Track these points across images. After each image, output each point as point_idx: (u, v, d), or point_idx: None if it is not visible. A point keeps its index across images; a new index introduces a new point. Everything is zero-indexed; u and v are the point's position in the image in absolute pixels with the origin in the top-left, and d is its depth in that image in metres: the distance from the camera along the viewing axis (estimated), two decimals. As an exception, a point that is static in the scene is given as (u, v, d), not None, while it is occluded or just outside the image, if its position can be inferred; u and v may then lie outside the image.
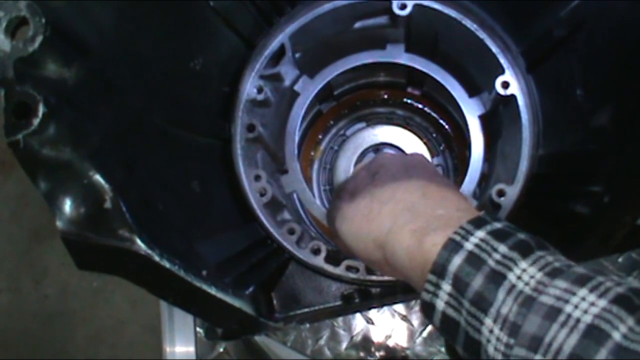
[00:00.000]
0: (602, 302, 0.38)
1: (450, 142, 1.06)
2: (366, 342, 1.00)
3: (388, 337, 0.99)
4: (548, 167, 0.77)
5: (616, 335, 0.36)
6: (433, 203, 0.55)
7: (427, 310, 0.46)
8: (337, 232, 0.65)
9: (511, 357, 0.39)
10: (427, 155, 1.04)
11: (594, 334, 0.36)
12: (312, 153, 1.10)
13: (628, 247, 0.82)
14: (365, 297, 0.76)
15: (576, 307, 0.38)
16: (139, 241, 0.47)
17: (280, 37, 0.86)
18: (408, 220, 0.52)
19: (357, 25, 0.89)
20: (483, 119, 0.87)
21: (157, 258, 0.48)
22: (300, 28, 0.86)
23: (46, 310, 2.13)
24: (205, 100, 0.83)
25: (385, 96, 1.10)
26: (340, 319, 1.00)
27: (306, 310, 0.76)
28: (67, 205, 0.46)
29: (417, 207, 0.54)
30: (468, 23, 0.82)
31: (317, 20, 0.86)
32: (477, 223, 0.46)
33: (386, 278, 0.76)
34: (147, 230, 0.48)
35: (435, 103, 1.06)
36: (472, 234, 0.45)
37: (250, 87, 0.85)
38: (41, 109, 0.46)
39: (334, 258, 0.77)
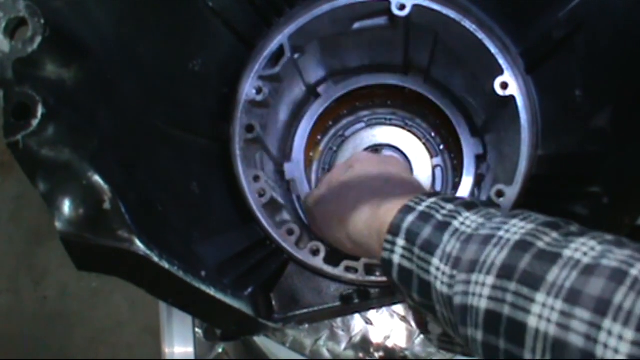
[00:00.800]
0: (531, 225, 0.43)
1: (449, 142, 1.06)
2: (365, 343, 1.00)
3: (387, 337, 0.99)
4: (547, 168, 0.78)
5: (539, 244, 0.40)
6: (393, 186, 0.62)
7: (387, 268, 0.51)
8: (310, 215, 0.73)
9: (453, 284, 0.43)
10: (426, 155, 1.04)
11: (521, 246, 0.41)
12: (311, 154, 1.10)
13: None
14: (364, 298, 0.76)
15: (507, 231, 0.43)
16: (138, 242, 0.47)
17: (279, 38, 0.86)
18: (369, 199, 0.59)
19: (356, 26, 0.89)
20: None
21: (156, 259, 0.48)
22: (299, 29, 0.86)
23: (45, 311, 2.13)
24: (204, 101, 0.83)
25: (385, 97, 1.10)
26: (339, 320, 1.00)
27: (305, 311, 0.76)
28: (66, 206, 0.46)
29: (379, 189, 0.61)
30: (467, 24, 0.82)
31: (315, 21, 0.86)
32: (430, 194, 0.52)
33: (385, 278, 0.76)
34: (146, 231, 0.48)
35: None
36: (424, 200, 0.51)
37: (249, 87, 0.85)
38: (40, 110, 0.46)
39: (333, 259, 0.77)
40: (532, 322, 0.37)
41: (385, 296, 0.78)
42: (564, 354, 0.35)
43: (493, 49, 0.81)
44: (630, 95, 0.65)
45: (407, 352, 0.98)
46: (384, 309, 1.00)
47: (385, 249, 0.50)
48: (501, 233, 0.43)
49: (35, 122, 0.46)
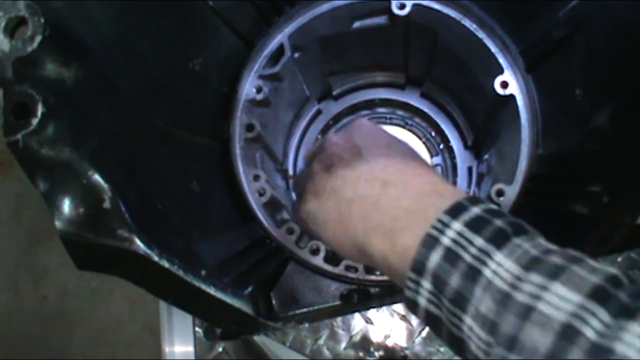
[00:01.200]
0: (575, 298, 0.37)
1: (448, 141, 1.06)
2: (365, 342, 1.00)
3: (387, 336, 0.99)
4: (547, 167, 0.78)
5: (589, 333, 0.35)
6: (396, 193, 0.51)
7: (412, 307, 0.46)
8: (315, 235, 0.64)
9: (490, 352, 0.39)
10: (426, 155, 1.04)
11: (568, 333, 0.35)
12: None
13: (627, 247, 0.83)
14: (365, 297, 0.76)
15: (549, 303, 0.37)
16: (138, 241, 0.47)
17: (279, 37, 0.86)
18: (377, 221, 0.51)
19: (356, 25, 0.89)
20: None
21: (156, 258, 0.48)
22: (299, 28, 0.86)
23: (45, 310, 2.13)
24: (204, 100, 0.83)
25: (385, 96, 1.10)
26: (339, 319, 1.00)
27: (305, 310, 0.76)
28: (66, 205, 0.46)
29: (381, 203, 0.52)
30: (467, 23, 0.82)
31: (315, 20, 0.86)
32: (454, 212, 0.44)
33: (385, 278, 0.76)
34: (146, 230, 0.48)
35: (435, 103, 1.06)
36: (448, 227, 0.43)
37: (249, 87, 0.85)
38: (40, 109, 0.46)
39: (333, 258, 0.78)
40: None
41: (386, 295, 0.78)
42: None
43: (493, 48, 0.81)
44: (630, 94, 0.65)
45: (407, 351, 0.98)
46: (384, 308, 1.00)
47: (409, 288, 0.45)
48: (541, 306, 0.37)
49: (35, 121, 0.46)
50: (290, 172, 1.05)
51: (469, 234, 0.42)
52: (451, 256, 0.42)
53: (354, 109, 1.10)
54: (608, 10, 0.67)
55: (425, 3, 0.82)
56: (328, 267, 0.76)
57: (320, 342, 1.00)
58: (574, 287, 0.37)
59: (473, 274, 0.41)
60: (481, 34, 0.81)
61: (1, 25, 0.48)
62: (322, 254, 0.77)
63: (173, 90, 0.76)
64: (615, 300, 0.36)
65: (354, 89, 1.09)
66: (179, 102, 0.77)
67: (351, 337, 1.00)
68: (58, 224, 0.45)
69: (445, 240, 0.43)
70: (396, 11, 0.82)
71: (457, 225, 0.43)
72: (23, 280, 2.16)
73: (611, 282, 0.37)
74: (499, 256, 0.40)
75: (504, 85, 0.80)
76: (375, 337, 1.00)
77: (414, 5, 0.81)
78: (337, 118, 1.10)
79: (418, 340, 0.99)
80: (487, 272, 0.40)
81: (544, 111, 0.79)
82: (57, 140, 0.47)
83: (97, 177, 0.47)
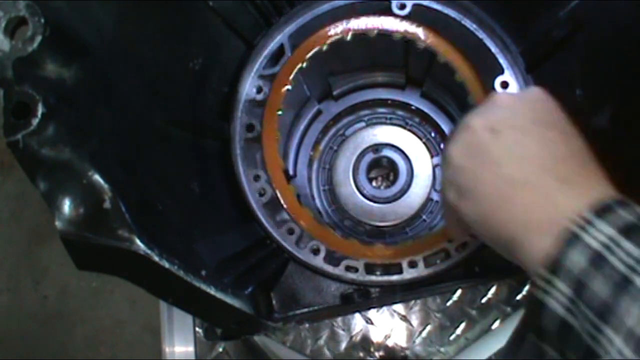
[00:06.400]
0: None
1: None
2: (365, 342, 1.00)
3: (387, 337, 0.99)
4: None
5: None
6: (568, 189, 0.44)
7: (535, 308, 0.41)
8: (456, 209, 0.52)
9: None
10: (426, 155, 1.04)
11: None
12: (311, 153, 1.10)
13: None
14: (365, 297, 0.76)
15: None
16: (138, 241, 0.47)
17: (280, 37, 0.86)
18: (544, 219, 0.43)
19: (357, 25, 0.89)
20: None
21: (156, 258, 0.48)
22: (299, 28, 0.86)
23: (45, 310, 2.13)
24: (204, 101, 0.83)
25: (385, 96, 1.10)
26: (339, 319, 1.00)
27: (305, 310, 0.76)
28: (67, 206, 0.46)
29: (553, 197, 0.44)
30: (467, 23, 0.82)
31: (316, 20, 0.86)
32: (603, 212, 0.40)
33: (385, 278, 0.76)
34: (146, 230, 0.48)
35: (435, 104, 1.06)
36: (593, 226, 0.39)
37: (249, 87, 0.85)
38: (40, 109, 0.46)
39: (333, 258, 0.78)
40: None
41: (386, 295, 0.78)
42: None
43: (493, 48, 0.81)
44: (630, 94, 0.65)
45: (407, 352, 0.98)
46: (385, 309, 1.00)
47: (539, 287, 0.40)
48: None
49: (35, 122, 0.46)
50: (291, 172, 1.05)
51: (621, 238, 0.38)
52: (598, 261, 0.38)
53: (354, 109, 1.10)
54: (608, 10, 0.67)
55: (425, 3, 0.82)
56: (328, 268, 0.76)
57: (321, 342, 1.00)
58: None
59: (623, 284, 0.36)
60: (481, 34, 0.81)
61: (1, 26, 0.48)
62: (322, 254, 0.77)
63: (173, 90, 0.76)
64: None
65: (354, 89, 1.09)
66: (179, 102, 0.77)
67: (351, 337, 1.00)
68: (58, 224, 0.45)
69: (591, 242, 0.38)
70: (396, 11, 0.82)
71: (607, 228, 0.39)
72: (23, 280, 2.16)
73: None
74: None
75: (505, 85, 0.80)
76: (376, 337, 1.00)
77: (414, 5, 0.82)
78: (337, 118, 1.10)
79: (418, 340, 0.99)
80: (639, 282, 0.36)
81: (544, 111, 0.79)
82: (57, 141, 0.47)
83: (97, 177, 0.47)
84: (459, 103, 1.00)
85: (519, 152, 0.48)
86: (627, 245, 0.37)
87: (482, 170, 0.49)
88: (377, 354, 0.99)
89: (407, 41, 0.86)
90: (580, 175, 0.46)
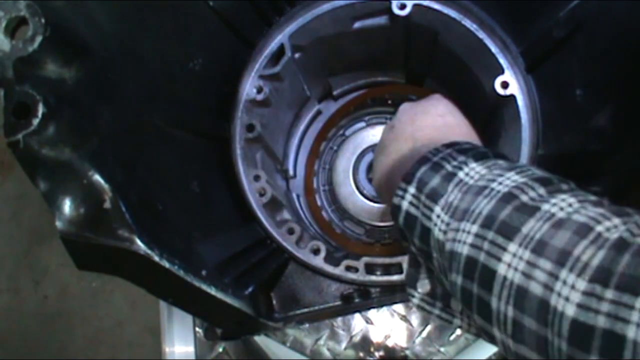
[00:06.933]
0: (522, 179, 0.44)
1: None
2: (365, 342, 1.00)
3: (387, 337, 0.99)
4: (547, 167, 0.77)
5: (523, 197, 0.42)
6: (420, 143, 0.61)
7: (395, 213, 0.53)
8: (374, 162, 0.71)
9: (447, 231, 0.45)
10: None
11: (506, 198, 0.42)
12: (312, 153, 1.10)
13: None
14: (365, 297, 0.76)
15: (500, 183, 0.44)
16: (138, 241, 0.47)
17: (280, 37, 0.86)
18: (410, 158, 0.60)
19: (357, 25, 0.89)
20: None
21: (156, 258, 0.48)
22: (299, 28, 0.86)
23: (45, 310, 2.13)
24: (204, 100, 0.83)
25: (385, 96, 1.10)
26: (339, 319, 1.00)
27: (305, 310, 0.76)
28: (67, 206, 0.46)
29: (406, 152, 0.62)
30: (468, 23, 0.82)
31: (316, 20, 0.86)
32: (450, 145, 0.52)
33: (385, 278, 0.76)
34: (146, 230, 0.48)
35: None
36: (440, 152, 0.51)
37: (249, 87, 0.85)
38: (41, 109, 0.46)
39: (333, 258, 0.78)
40: (501, 269, 0.40)
41: (386, 295, 0.78)
42: (524, 302, 0.37)
43: (493, 49, 0.81)
44: (630, 94, 0.65)
45: (407, 352, 0.98)
46: (385, 309, 1.00)
47: (397, 195, 0.52)
48: (494, 185, 0.44)
49: (35, 122, 0.46)
50: (291, 172, 1.05)
51: (455, 154, 0.51)
52: (436, 167, 0.50)
53: (354, 109, 1.10)
54: (608, 10, 0.67)
55: (425, 3, 0.82)
56: (328, 268, 0.76)
57: (321, 342, 1.00)
58: (524, 174, 0.45)
59: (449, 176, 0.48)
60: (481, 34, 0.81)
61: (2, 26, 0.48)
62: (322, 254, 0.77)
63: (173, 90, 0.76)
64: (556, 186, 0.43)
65: (354, 89, 1.09)
66: (179, 102, 0.77)
67: (351, 337, 1.00)
68: (59, 224, 0.45)
69: (435, 159, 0.51)
70: (397, 11, 0.82)
71: (449, 150, 0.51)
72: (24, 280, 2.16)
73: (558, 178, 0.45)
74: (472, 164, 0.48)
75: (505, 85, 0.80)
76: (376, 337, 1.00)
77: (415, 5, 0.81)
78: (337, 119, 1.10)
79: (418, 340, 0.99)
80: (460, 174, 0.48)
81: (545, 111, 0.79)
82: (57, 141, 0.47)
83: (97, 177, 0.47)
84: (459, 103, 1.00)
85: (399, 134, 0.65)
86: (457, 155, 0.50)
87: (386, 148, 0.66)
88: (377, 354, 0.99)
89: (408, 26, 0.86)
90: (454, 135, 0.60)
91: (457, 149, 0.52)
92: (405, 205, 0.51)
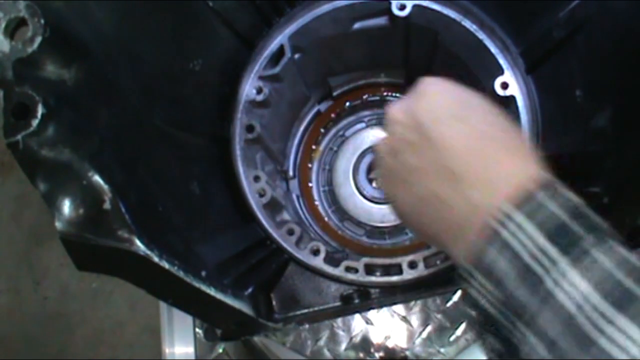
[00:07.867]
0: None
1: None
2: (365, 343, 1.00)
3: (387, 337, 0.99)
4: (547, 167, 0.77)
5: None
6: (467, 186, 0.44)
7: (467, 301, 0.43)
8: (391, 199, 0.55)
9: None
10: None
11: None
12: (312, 154, 1.10)
13: (628, 248, 0.82)
14: (365, 298, 0.76)
15: (622, 349, 0.32)
16: (138, 242, 0.47)
17: (280, 38, 0.86)
18: (449, 224, 0.45)
19: (357, 25, 0.89)
20: None
21: (156, 259, 0.48)
22: (299, 29, 0.86)
23: (45, 311, 2.13)
24: (204, 101, 0.83)
25: (385, 96, 1.10)
26: (339, 320, 1.00)
27: (305, 311, 0.76)
28: (67, 206, 0.46)
29: (450, 201, 0.45)
30: (467, 24, 0.82)
31: (316, 20, 0.86)
32: (522, 203, 0.39)
33: (385, 279, 0.76)
34: (146, 231, 0.48)
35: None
36: (511, 219, 0.38)
37: (249, 87, 0.85)
38: (40, 110, 0.46)
39: (333, 259, 0.77)
40: None
41: (386, 296, 0.78)
42: None
43: (493, 49, 0.81)
44: (630, 95, 0.65)
45: (407, 352, 0.98)
46: (384, 309, 1.00)
47: (463, 278, 0.41)
48: (615, 351, 0.32)
49: (35, 122, 0.46)
50: (291, 173, 1.05)
51: (537, 237, 0.37)
52: (513, 257, 0.37)
53: (354, 110, 1.10)
54: (608, 11, 0.67)
55: (425, 4, 0.82)
56: (328, 269, 0.76)
57: (321, 343, 1.00)
58: None
59: (537, 285, 0.36)
60: (481, 35, 0.81)
61: (1, 26, 0.48)
62: (322, 255, 0.77)
63: (173, 91, 0.76)
64: None
65: (354, 89, 1.09)
66: (179, 102, 0.77)
67: (351, 338, 1.00)
68: (58, 224, 0.45)
69: (509, 240, 0.38)
70: (396, 12, 0.82)
71: (521, 218, 0.38)
72: (24, 281, 2.16)
73: None
74: (570, 272, 0.35)
75: (504, 86, 0.80)
76: (376, 338, 1.00)
77: (414, 6, 0.81)
78: (336, 118, 1.10)
79: (418, 341, 0.99)
80: (557, 292, 0.35)
81: (544, 112, 0.79)
82: (57, 141, 0.47)
83: (97, 178, 0.47)
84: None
85: (419, 168, 0.48)
86: (543, 242, 0.36)
87: (400, 195, 0.51)
88: (377, 355, 0.99)
89: (408, 26, 0.85)
90: (498, 161, 0.45)
91: (540, 223, 0.37)
92: (476, 295, 0.40)
